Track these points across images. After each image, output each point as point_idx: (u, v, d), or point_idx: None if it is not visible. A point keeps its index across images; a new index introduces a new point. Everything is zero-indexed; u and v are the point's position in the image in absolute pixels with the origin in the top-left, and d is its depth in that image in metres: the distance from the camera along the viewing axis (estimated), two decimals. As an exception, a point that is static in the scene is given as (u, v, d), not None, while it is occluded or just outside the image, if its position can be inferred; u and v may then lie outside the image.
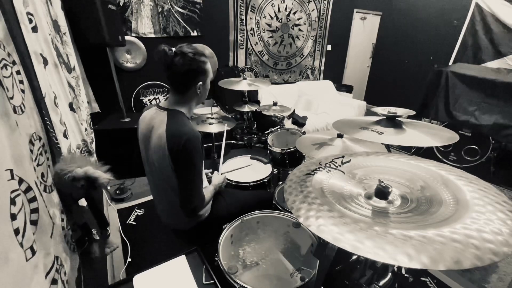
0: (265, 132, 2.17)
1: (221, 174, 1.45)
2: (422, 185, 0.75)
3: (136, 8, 2.83)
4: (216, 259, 0.98)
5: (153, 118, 1.09)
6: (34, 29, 1.07)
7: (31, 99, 0.78)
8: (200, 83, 1.07)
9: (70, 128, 1.33)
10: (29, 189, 0.61)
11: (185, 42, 1.09)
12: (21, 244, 0.52)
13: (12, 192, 0.52)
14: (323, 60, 4.68)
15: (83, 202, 1.08)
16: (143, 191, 2.47)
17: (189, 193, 1.07)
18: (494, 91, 2.63)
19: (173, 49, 1.02)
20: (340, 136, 1.43)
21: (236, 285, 0.89)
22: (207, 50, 3.39)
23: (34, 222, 0.61)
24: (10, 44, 0.72)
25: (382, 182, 0.69)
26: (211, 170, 1.48)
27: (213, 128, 1.90)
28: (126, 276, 1.56)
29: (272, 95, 3.66)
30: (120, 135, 2.26)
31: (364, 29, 5.04)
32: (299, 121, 3.37)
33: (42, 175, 0.75)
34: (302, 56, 4.39)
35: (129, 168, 2.05)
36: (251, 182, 1.64)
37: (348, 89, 4.80)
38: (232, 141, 1.62)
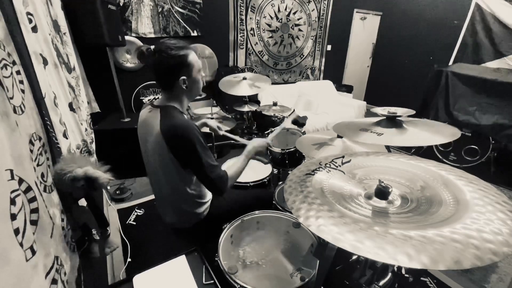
0: (265, 132, 2.16)
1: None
2: (422, 185, 0.75)
3: (136, 8, 2.83)
4: (216, 259, 0.98)
5: (149, 117, 1.09)
6: (34, 29, 1.07)
7: (31, 99, 0.78)
8: (183, 77, 1.05)
9: (70, 128, 1.33)
10: (29, 189, 0.61)
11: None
12: (21, 244, 0.52)
13: (12, 192, 0.52)
14: (323, 60, 4.68)
15: (83, 202, 1.08)
16: (143, 191, 2.47)
17: (204, 173, 1.05)
18: (494, 91, 2.62)
19: (152, 47, 1.01)
20: (340, 136, 1.43)
21: (236, 285, 0.88)
22: (207, 50, 3.40)
23: (34, 222, 0.61)
24: (10, 44, 0.71)
25: (382, 182, 0.69)
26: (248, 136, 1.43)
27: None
28: (126, 276, 1.56)
29: (272, 95, 3.66)
30: (120, 135, 2.26)
31: (364, 29, 5.04)
32: (299, 121, 3.37)
33: (42, 175, 0.75)
34: (302, 56, 4.39)
35: (129, 168, 2.04)
36: (251, 182, 1.64)
37: (348, 89, 4.80)
38: (232, 141, 1.62)
